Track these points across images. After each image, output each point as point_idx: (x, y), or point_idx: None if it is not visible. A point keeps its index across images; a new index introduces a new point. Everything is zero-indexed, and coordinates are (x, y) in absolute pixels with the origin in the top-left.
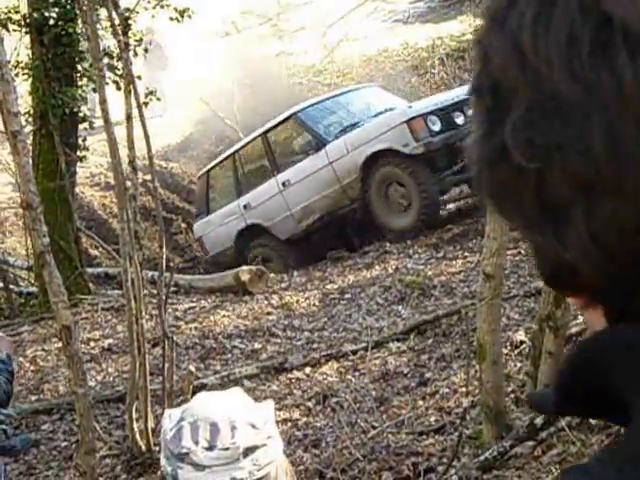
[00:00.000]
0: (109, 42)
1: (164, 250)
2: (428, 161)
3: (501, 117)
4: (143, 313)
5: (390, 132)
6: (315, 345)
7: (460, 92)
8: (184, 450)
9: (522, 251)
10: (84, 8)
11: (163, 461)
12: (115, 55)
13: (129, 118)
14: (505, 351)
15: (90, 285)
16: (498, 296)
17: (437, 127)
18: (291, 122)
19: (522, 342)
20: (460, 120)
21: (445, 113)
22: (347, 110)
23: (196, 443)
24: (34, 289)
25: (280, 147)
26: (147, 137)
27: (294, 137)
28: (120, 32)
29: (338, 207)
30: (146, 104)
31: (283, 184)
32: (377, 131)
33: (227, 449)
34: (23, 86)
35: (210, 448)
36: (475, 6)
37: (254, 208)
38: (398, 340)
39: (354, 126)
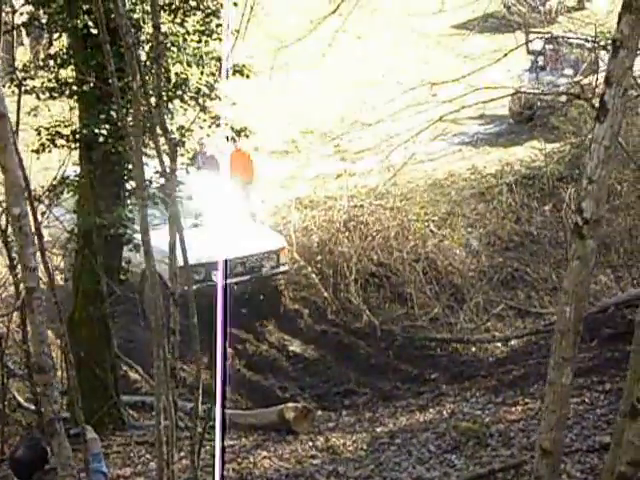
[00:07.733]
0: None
1: (200, 390)
2: None
3: None
4: (175, 457)
5: None
6: None
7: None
8: None
9: (587, 399)
10: (130, 134)
11: None
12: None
13: (172, 249)
14: None
15: (126, 414)
16: (555, 475)
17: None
18: None
19: None
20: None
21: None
22: None
23: None
24: (66, 415)
25: None
26: (187, 264)
27: None
28: (169, 158)
29: None
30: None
31: None
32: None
33: None
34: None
35: None
36: (547, 131)
37: None
38: None
39: None
